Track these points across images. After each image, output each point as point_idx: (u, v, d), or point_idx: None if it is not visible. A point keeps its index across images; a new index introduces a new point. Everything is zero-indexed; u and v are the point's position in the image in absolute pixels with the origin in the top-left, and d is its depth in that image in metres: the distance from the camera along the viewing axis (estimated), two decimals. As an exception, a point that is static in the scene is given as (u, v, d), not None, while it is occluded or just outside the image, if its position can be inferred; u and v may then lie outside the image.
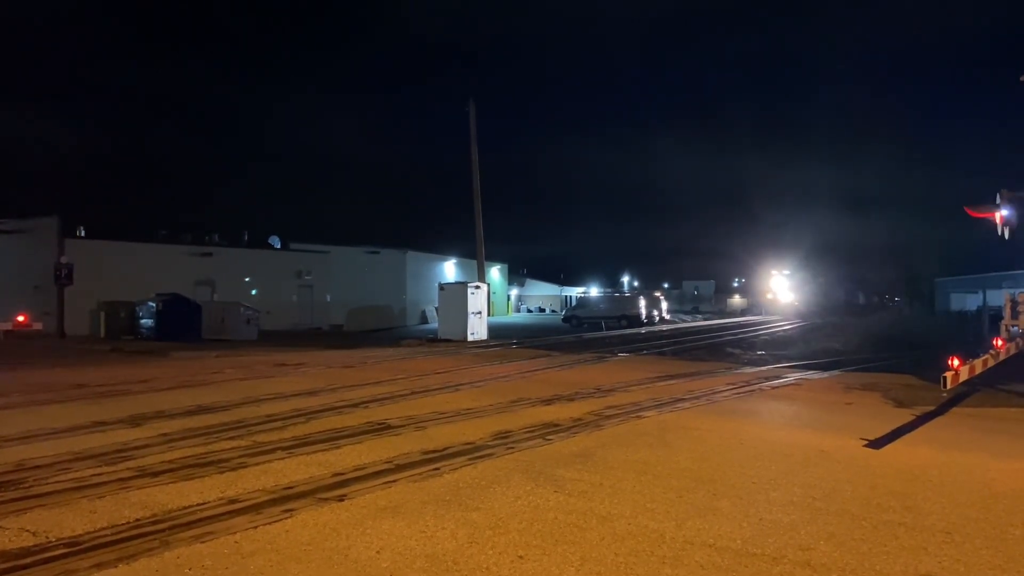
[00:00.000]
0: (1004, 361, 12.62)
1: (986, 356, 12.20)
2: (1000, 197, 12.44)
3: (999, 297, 18.79)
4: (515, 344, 25.08)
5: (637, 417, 10.13)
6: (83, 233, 30.33)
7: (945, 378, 11.14)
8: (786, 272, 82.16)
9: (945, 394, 11.62)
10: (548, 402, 11.38)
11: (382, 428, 9.00)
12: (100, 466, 6.88)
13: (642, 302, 44.11)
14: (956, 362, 11.43)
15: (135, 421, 9.34)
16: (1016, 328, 12.87)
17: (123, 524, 5.23)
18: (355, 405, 10.86)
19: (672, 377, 15.04)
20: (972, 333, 26.63)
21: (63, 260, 27.07)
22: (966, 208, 13.01)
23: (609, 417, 10.01)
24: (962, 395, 12.33)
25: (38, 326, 26.34)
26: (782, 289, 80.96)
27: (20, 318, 25.92)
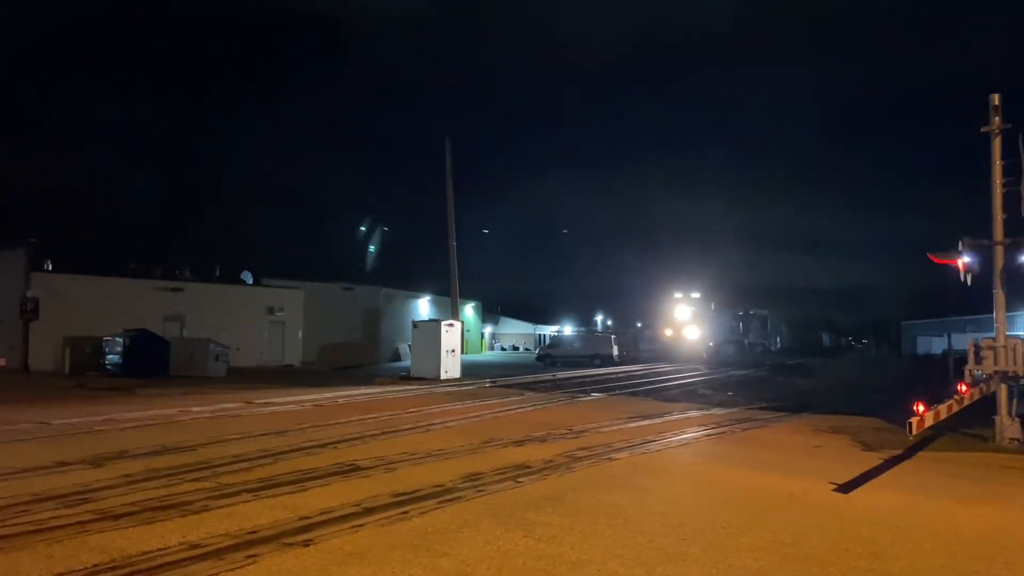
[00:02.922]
0: (968, 406, 12.82)
1: (951, 401, 12.40)
2: (962, 244, 12.76)
3: (963, 340, 19.14)
4: (488, 383, 24.98)
5: (609, 459, 10.11)
6: (50, 267, 29.88)
7: (911, 424, 11.31)
8: (695, 295, 56.25)
9: (912, 438, 11.75)
10: (520, 443, 11.32)
11: (351, 469, 8.89)
12: (59, 508, 6.71)
13: (615, 341, 44.34)
14: (922, 408, 11.61)
15: (97, 461, 9.14)
16: (979, 373, 13.10)
17: (80, 570, 5.10)
18: (324, 445, 10.72)
19: (644, 418, 15.06)
20: (937, 376, 27.03)
21: (29, 294, 26.62)
22: (930, 255, 13.31)
23: (581, 459, 9.98)
24: (928, 439, 12.48)
25: (1, 361, 25.77)
26: (688, 323, 54.15)
27: (-18, 352, 25.35)
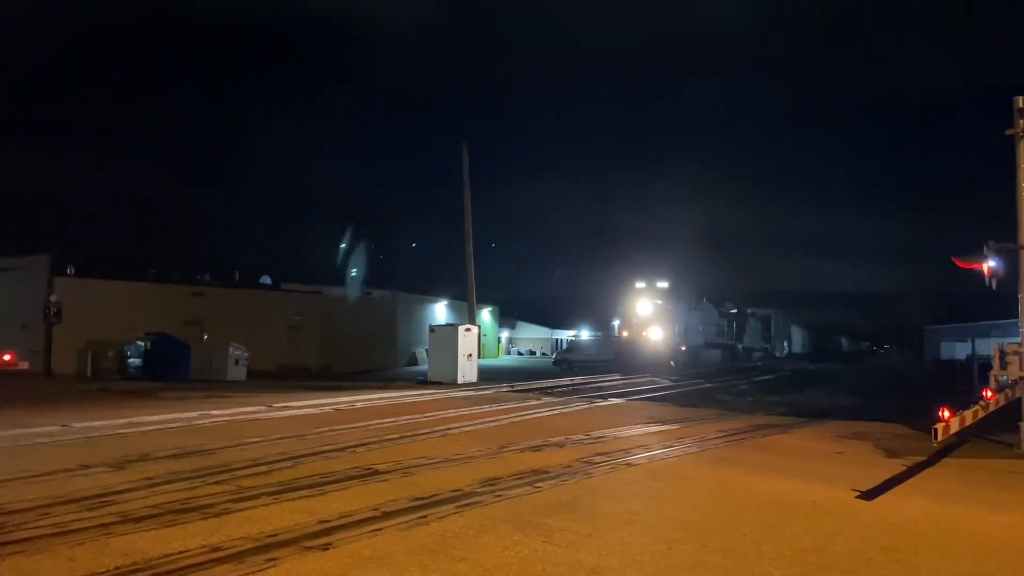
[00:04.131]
0: (993, 412, 12.63)
1: (976, 407, 12.22)
2: (987, 249, 12.58)
3: (988, 346, 18.88)
4: (506, 387, 24.95)
5: (627, 464, 10.06)
6: (72, 272, 30.25)
7: (936, 430, 11.15)
8: (662, 285, 41.14)
9: (936, 445, 11.59)
10: (537, 448, 11.29)
11: (369, 473, 8.90)
12: (81, 511, 6.76)
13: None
14: (947, 414, 11.45)
15: (119, 464, 9.21)
16: (1005, 378, 12.91)
17: (102, 572, 5.13)
18: (342, 449, 10.75)
19: (662, 423, 14.98)
20: (961, 382, 26.68)
21: (52, 299, 26.93)
22: (955, 259, 13.14)
23: (598, 464, 9.93)
24: (953, 445, 12.30)
25: (24, 365, 26.09)
26: (652, 321, 39.32)
27: (6, 357, 25.68)
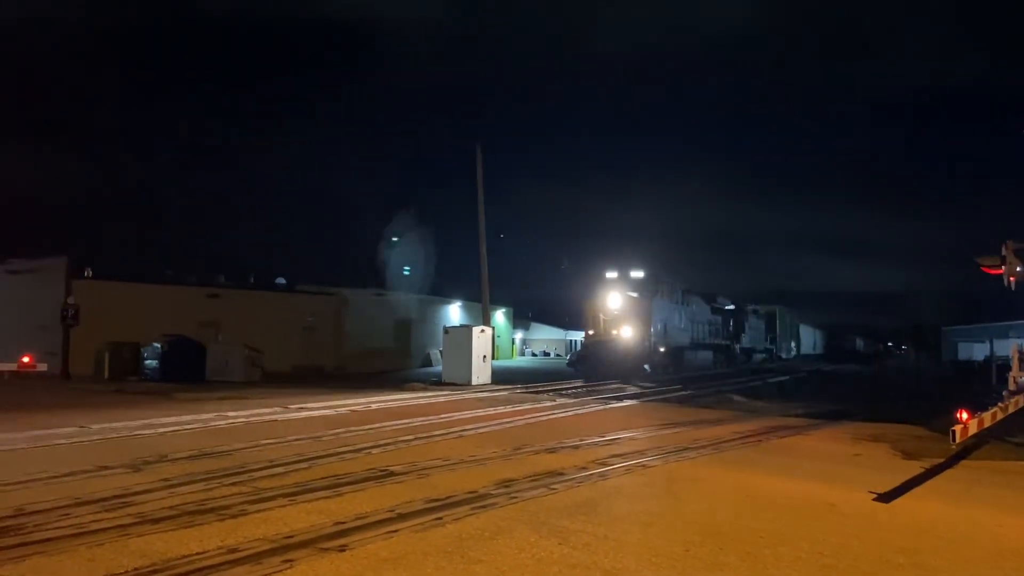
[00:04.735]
0: (1013, 413, 12.52)
1: (995, 409, 12.12)
2: (1005, 248, 12.47)
3: (1006, 346, 18.70)
4: (520, 389, 24.95)
5: (642, 466, 10.03)
6: (90, 274, 30.52)
7: (954, 432, 11.06)
8: (637, 275, 34.94)
9: (954, 447, 11.50)
10: (552, 450, 11.28)
11: (385, 475, 8.92)
12: (100, 512, 6.82)
13: None
14: (965, 415, 11.35)
15: (136, 465, 9.28)
16: None
17: (121, 573, 5.17)
18: (358, 450, 10.78)
19: (678, 425, 14.92)
20: (979, 383, 26.45)
21: (70, 301, 27.16)
22: (981, 265, 13.02)
23: (614, 466, 9.91)
24: (971, 447, 12.19)
25: (43, 367, 26.33)
26: (624, 318, 32.63)
27: (25, 359, 25.94)
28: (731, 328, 46.83)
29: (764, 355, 53.40)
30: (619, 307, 32.73)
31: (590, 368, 31.38)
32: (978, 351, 54.81)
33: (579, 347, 35.30)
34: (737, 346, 47.66)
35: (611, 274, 34.57)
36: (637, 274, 34.74)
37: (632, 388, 26.15)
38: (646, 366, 32.56)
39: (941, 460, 11.19)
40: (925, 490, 9.14)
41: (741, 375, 35.16)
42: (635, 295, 33.46)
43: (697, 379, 30.48)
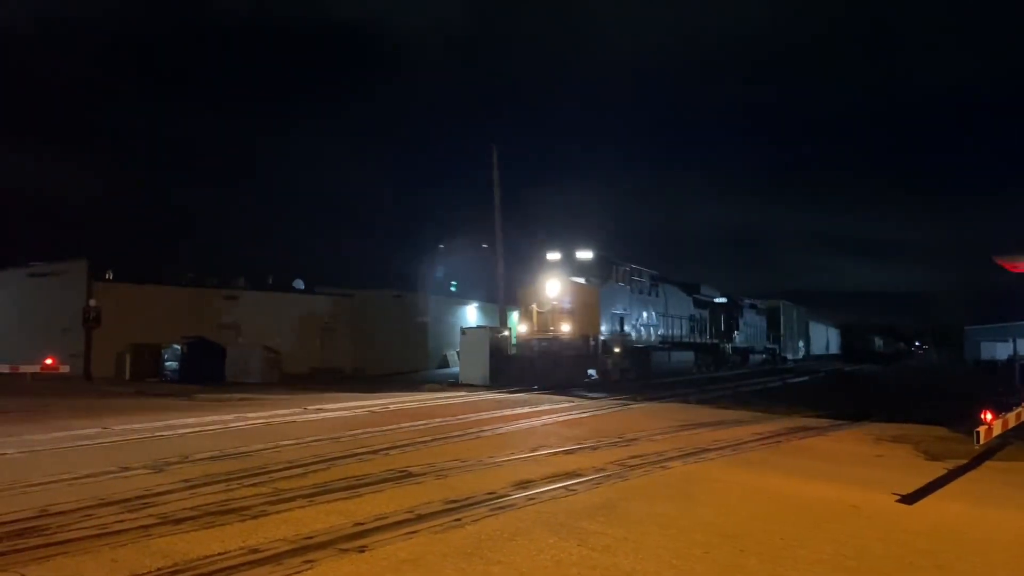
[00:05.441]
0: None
1: (1019, 409, 11.96)
2: (1028, 246, 12.31)
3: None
4: (536, 389, 24.92)
5: (661, 468, 9.99)
6: (111, 276, 30.84)
7: (978, 433, 10.93)
8: (584, 256, 27.88)
9: (978, 448, 11.36)
10: (570, 451, 11.26)
11: (403, 476, 8.94)
12: (123, 513, 6.88)
13: None
14: (989, 416, 11.22)
15: (158, 466, 9.36)
16: None
17: (144, 573, 5.21)
18: (376, 451, 10.81)
19: (696, 426, 14.84)
20: (1003, 383, 26.12)
21: (92, 303, 27.49)
22: (1000, 261, 12.86)
23: (633, 467, 9.87)
24: (995, 448, 12.04)
25: (65, 368, 26.62)
26: (566, 309, 26.69)
27: (48, 360, 26.23)
28: (721, 325, 40.41)
29: (764, 355, 47.54)
30: (558, 296, 26.70)
31: (512, 377, 25.69)
32: (1001, 350, 54.18)
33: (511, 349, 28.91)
34: (728, 345, 41.61)
35: (553, 255, 27.90)
36: (585, 255, 27.82)
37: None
38: (591, 371, 27.15)
39: (964, 461, 11.07)
40: (949, 492, 9.04)
41: (724, 380, 31.05)
42: (580, 281, 27.22)
43: (662, 387, 25.57)
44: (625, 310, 29.23)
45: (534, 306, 27.00)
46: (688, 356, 34.93)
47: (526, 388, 24.32)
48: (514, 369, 26.80)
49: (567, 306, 26.56)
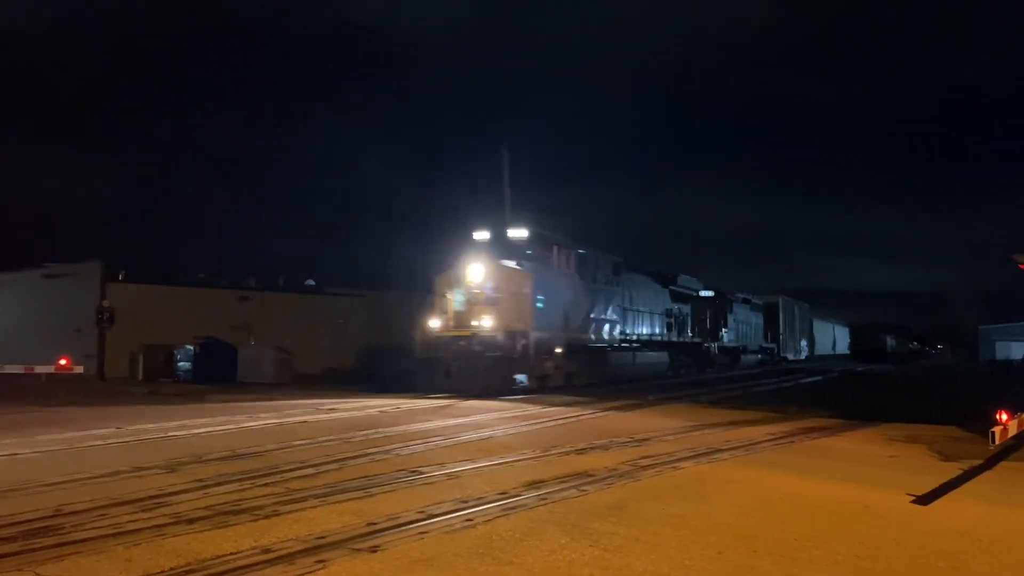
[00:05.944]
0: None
1: (1035, 409, 11.85)
2: (1045, 245, 12.20)
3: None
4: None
5: (673, 468, 9.95)
6: (124, 277, 31.05)
7: (994, 433, 10.84)
8: (518, 235, 22.41)
9: (993, 448, 11.27)
10: (582, 451, 11.23)
11: (415, 475, 8.95)
12: (136, 512, 6.91)
13: None
14: (1004, 416, 11.13)
15: (171, 466, 9.40)
16: None
17: (158, 573, 5.24)
18: (387, 451, 10.83)
19: (708, 426, 14.78)
20: (1018, 382, 25.90)
21: (105, 304, 27.66)
22: (1016, 261, 12.76)
23: (645, 468, 9.84)
24: (1010, 448, 11.94)
25: (79, 369, 26.79)
26: (494, 296, 20.57)
27: (62, 361, 26.40)
28: (707, 321, 35.72)
29: (759, 356, 43.78)
30: (480, 283, 21.26)
31: (442, 376, 21.20)
32: (1016, 350, 53.73)
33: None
34: (714, 345, 36.87)
35: (480, 234, 23.06)
36: (518, 233, 22.99)
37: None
38: (519, 376, 22.07)
39: (979, 462, 10.98)
40: (964, 492, 8.96)
41: (702, 384, 28.00)
42: (511, 264, 21.98)
43: (618, 393, 22.33)
44: (569, 300, 23.86)
45: (448, 296, 21.70)
46: (661, 357, 30.93)
47: (431, 395, 20.37)
48: (430, 373, 21.83)
49: (490, 294, 21.03)
